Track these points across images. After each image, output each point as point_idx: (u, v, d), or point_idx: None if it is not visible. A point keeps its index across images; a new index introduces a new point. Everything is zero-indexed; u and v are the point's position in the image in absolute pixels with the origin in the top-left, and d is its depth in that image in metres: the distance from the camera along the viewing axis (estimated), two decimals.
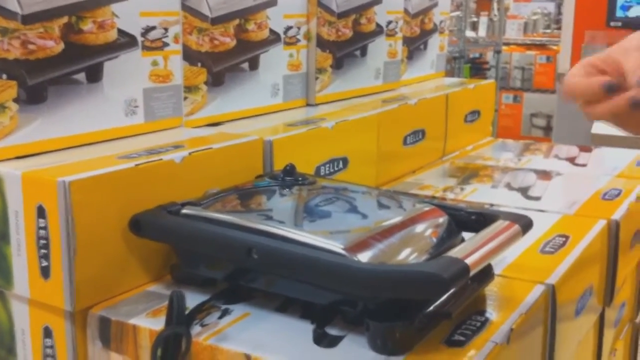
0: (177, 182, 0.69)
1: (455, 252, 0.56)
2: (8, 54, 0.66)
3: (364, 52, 1.18)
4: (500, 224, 0.64)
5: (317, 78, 1.08)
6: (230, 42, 0.92)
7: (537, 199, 0.99)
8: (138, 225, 0.64)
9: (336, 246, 0.56)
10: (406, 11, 1.31)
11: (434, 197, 0.98)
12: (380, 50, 1.22)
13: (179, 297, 0.57)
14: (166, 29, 0.81)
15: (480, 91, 1.40)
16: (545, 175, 1.12)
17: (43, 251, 0.61)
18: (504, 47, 5.02)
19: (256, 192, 0.72)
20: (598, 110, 0.64)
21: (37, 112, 0.69)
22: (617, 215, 0.90)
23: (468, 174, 1.12)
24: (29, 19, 0.67)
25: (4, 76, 0.66)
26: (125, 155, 0.69)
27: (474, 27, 4.96)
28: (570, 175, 1.13)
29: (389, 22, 1.23)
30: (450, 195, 1.00)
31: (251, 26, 0.95)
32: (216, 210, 0.65)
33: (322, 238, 0.57)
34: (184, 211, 0.65)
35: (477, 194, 1.01)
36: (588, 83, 0.64)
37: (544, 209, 0.94)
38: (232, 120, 0.93)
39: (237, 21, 0.93)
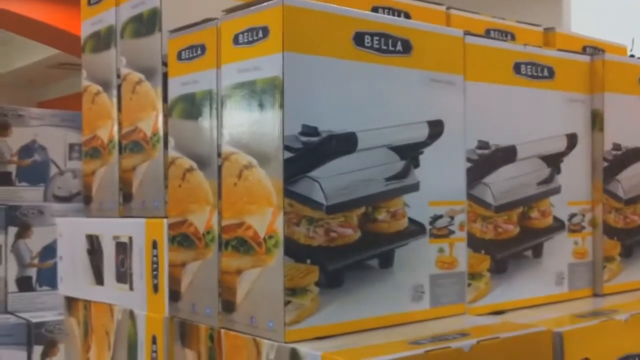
0: None
1: None
2: (313, 240, 0.72)
3: None
4: None
5: (604, 267, 1.02)
6: (514, 229, 0.92)
7: None
8: None
9: None
10: None
11: None
12: None
13: None
14: (452, 217, 0.84)
15: None
16: None
17: None
18: None
19: None
20: None
21: (334, 296, 0.73)
22: None
23: None
24: (332, 209, 0.73)
25: (309, 261, 0.72)
26: (413, 341, 0.70)
27: None
28: None
29: None
30: None
31: (535, 214, 0.95)
32: None
33: None
34: None
35: None
36: None
37: None
38: (514, 309, 0.91)
39: (520, 209, 0.93)
